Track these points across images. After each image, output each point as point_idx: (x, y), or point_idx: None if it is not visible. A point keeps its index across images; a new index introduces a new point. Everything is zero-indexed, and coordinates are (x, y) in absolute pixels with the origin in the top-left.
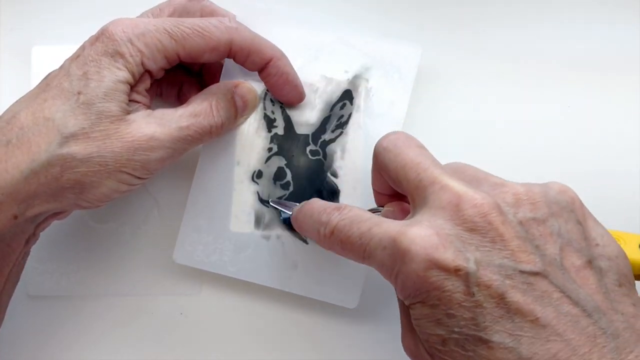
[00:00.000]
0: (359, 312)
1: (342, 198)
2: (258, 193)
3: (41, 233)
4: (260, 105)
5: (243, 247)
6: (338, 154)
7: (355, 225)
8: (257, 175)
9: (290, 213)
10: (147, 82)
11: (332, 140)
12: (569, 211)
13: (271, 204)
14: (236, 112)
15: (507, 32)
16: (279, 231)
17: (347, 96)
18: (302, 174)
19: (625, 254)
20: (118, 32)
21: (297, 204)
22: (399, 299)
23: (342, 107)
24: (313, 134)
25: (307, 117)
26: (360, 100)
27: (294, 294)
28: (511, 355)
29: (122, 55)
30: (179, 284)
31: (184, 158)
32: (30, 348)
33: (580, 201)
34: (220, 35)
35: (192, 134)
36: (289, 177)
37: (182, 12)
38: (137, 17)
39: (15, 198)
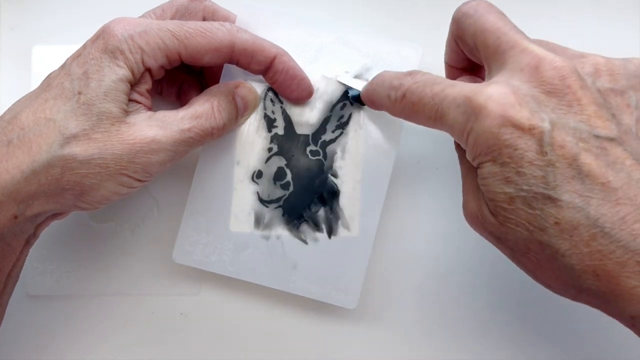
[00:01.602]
0: (358, 312)
1: (343, 199)
2: (258, 193)
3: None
4: (261, 105)
5: (243, 247)
6: (338, 155)
7: (429, 87)
8: (257, 175)
9: (359, 90)
10: (148, 83)
11: (333, 141)
12: None
13: (339, 80)
14: (237, 112)
15: None
16: (279, 231)
17: (347, 97)
18: (302, 174)
19: None
20: (119, 30)
21: (364, 82)
22: (463, 164)
23: (342, 108)
24: (313, 134)
25: (307, 117)
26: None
27: (294, 294)
28: (579, 215)
29: (122, 52)
30: (179, 283)
31: (184, 157)
32: (29, 348)
33: None
34: (223, 36)
35: (194, 136)
36: (289, 177)
37: (184, 12)
38: (139, 17)
39: (16, 198)
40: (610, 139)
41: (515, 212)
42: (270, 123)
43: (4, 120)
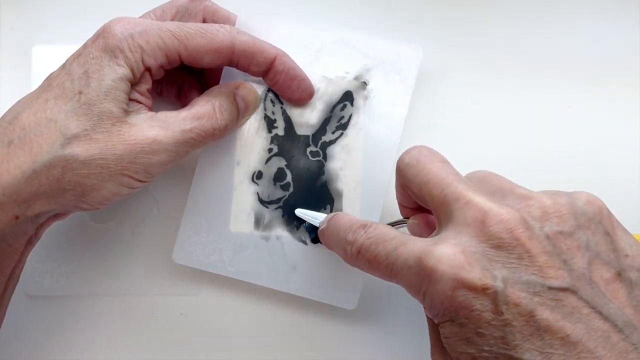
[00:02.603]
0: (358, 313)
1: (343, 199)
2: (258, 194)
3: None
4: (261, 106)
5: (242, 247)
6: (338, 155)
7: (382, 245)
8: (257, 176)
9: (316, 224)
10: (148, 82)
11: (333, 142)
12: (597, 222)
13: (297, 213)
14: (238, 113)
15: (508, 32)
16: (279, 232)
17: (348, 97)
18: (302, 175)
19: None
20: (119, 29)
21: (323, 214)
22: (427, 317)
23: (342, 108)
24: (313, 135)
25: (307, 118)
26: (360, 101)
27: (294, 295)
28: None
29: (122, 51)
30: (179, 284)
31: (185, 158)
32: (29, 348)
33: (608, 211)
34: (223, 37)
35: (195, 137)
36: (289, 178)
37: (185, 13)
38: (139, 17)
39: (17, 199)
40: (564, 289)
41: None
42: (270, 124)
43: (5, 120)
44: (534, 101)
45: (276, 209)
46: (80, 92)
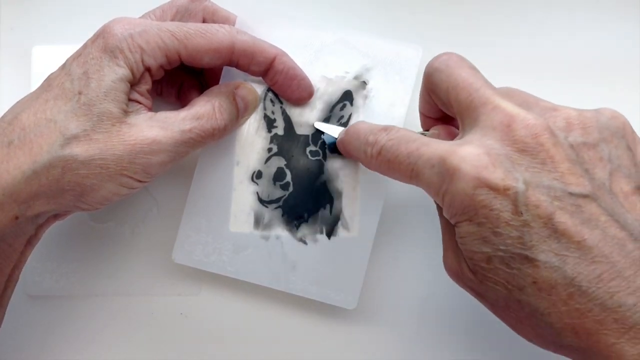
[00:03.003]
0: (358, 312)
1: (342, 199)
2: (257, 193)
3: None
4: (261, 106)
5: (242, 247)
6: (338, 155)
7: (404, 145)
8: (257, 176)
9: (335, 137)
10: (148, 83)
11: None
12: (620, 137)
13: (316, 126)
14: (238, 113)
15: (508, 32)
16: (278, 231)
17: (348, 97)
18: (301, 174)
19: None
20: (119, 29)
21: (342, 127)
22: (441, 218)
23: (342, 108)
24: (313, 134)
25: (307, 117)
26: (360, 101)
27: (294, 295)
28: (556, 274)
29: (121, 51)
30: (179, 284)
31: (184, 158)
32: (29, 348)
33: (631, 127)
34: (223, 37)
35: (195, 137)
36: (288, 177)
37: (185, 13)
38: (139, 17)
39: (17, 199)
40: (585, 196)
41: (493, 271)
42: (270, 123)
43: (4, 121)
44: None
45: (276, 208)
46: (80, 93)
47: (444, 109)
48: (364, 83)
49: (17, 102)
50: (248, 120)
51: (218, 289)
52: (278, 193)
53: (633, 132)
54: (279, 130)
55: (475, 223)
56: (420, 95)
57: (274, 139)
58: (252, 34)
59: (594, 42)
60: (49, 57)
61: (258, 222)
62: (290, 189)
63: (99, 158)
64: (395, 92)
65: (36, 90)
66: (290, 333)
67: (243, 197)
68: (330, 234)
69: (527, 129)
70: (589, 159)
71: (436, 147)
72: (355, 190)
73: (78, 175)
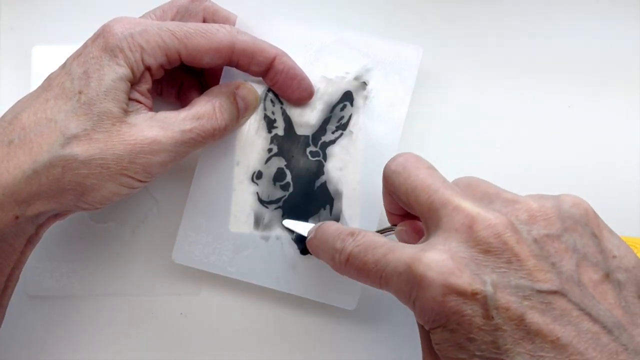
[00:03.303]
0: (358, 313)
1: (342, 200)
2: (258, 194)
3: None
4: (261, 106)
5: (242, 247)
6: (338, 155)
7: (370, 252)
8: (257, 176)
9: (304, 234)
10: (148, 82)
11: (333, 142)
12: (584, 224)
13: (284, 225)
14: (238, 113)
15: (508, 33)
16: (278, 232)
17: (348, 97)
18: (302, 175)
19: None
20: (119, 29)
21: (310, 224)
22: (418, 323)
23: (342, 109)
24: (313, 135)
25: (307, 118)
26: (360, 101)
27: (294, 295)
28: None
29: (122, 51)
30: (179, 284)
31: (184, 158)
32: (29, 348)
33: (594, 212)
34: (223, 36)
35: (195, 137)
36: (288, 178)
37: (185, 13)
38: (140, 17)
39: (17, 198)
40: (554, 292)
41: None
42: (270, 124)
43: (5, 120)
44: (534, 101)
45: (276, 209)
46: (80, 92)
47: (406, 209)
48: (364, 83)
49: (18, 102)
50: (248, 121)
51: (218, 289)
52: (278, 193)
53: (596, 217)
54: (279, 130)
55: (449, 330)
56: (382, 194)
57: (274, 139)
58: (252, 34)
59: (594, 42)
60: (49, 57)
61: (258, 222)
62: (291, 189)
63: (99, 158)
64: (395, 92)
65: (36, 89)
66: (290, 333)
67: (243, 197)
68: None
69: (489, 229)
70: (554, 251)
71: (401, 253)
72: (355, 191)
73: (78, 174)
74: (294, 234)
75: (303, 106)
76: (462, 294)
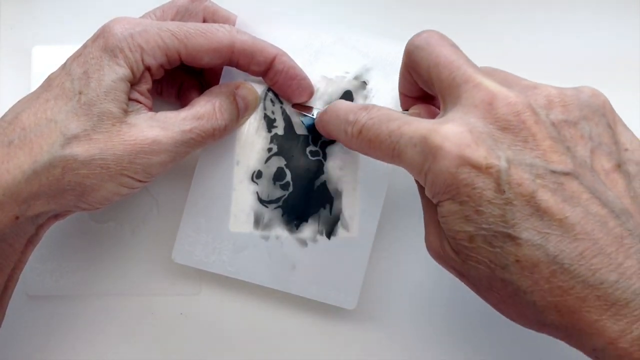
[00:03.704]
0: (357, 313)
1: (342, 199)
2: (257, 193)
3: None
4: (261, 106)
5: (242, 247)
6: (338, 155)
7: (385, 124)
8: (257, 176)
9: (314, 117)
10: (148, 82)
11: (332, 141)
12: (600, 115)
13: (293, 109)
14: (238, 113)
15: (508, 33)
16: (278, 231)
17: (348, 97)
18: (301, 174)
19: None
20: (119, 29)
21: (320, 109)
22: (423, 198)
23: None
24: (313, 134)
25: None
26: (360, 101)
27: (294, 295)
28: (538, 252)
29: (121, 51)
30: (179, 283)
31: (184, 158)
32: (29, 348)
33: (611, 105)
34: (223, 36)
35: (195, 137)
36: (288, 177)
37: (185, 14)
38: (140, 17)
39: (17, 199)
40: (566, 174)
41: (476, 250)
42: (270, 123)
43: (5, 120)
44: None
45: (276, 208)
46: (80, 93)
47: (424, 88)
48: (364, 83)
49: (18, 102)
50: (248, 120)
51: (218, 289)
52: (278, 193)
53: (613, 110)
54: (279, 130)
55: (458, 202)
56: (400, 74)
57: (274, 138)
58: (252, 34)
59: (594, 42)
60: (49, 57)
61: (258, 222)
62: (290, 189)
63: (100, 158)
64: (395, 92)
65: (36, 90)
66: (290, 333)
67: (243, 197)
68: (330, 234)
69: (508, 107)
70: (570, 136)
71: (418, 125)
72: (355, 191)
73: (78, 175)
74: (306, 119)
75: None
76: (476, 166)
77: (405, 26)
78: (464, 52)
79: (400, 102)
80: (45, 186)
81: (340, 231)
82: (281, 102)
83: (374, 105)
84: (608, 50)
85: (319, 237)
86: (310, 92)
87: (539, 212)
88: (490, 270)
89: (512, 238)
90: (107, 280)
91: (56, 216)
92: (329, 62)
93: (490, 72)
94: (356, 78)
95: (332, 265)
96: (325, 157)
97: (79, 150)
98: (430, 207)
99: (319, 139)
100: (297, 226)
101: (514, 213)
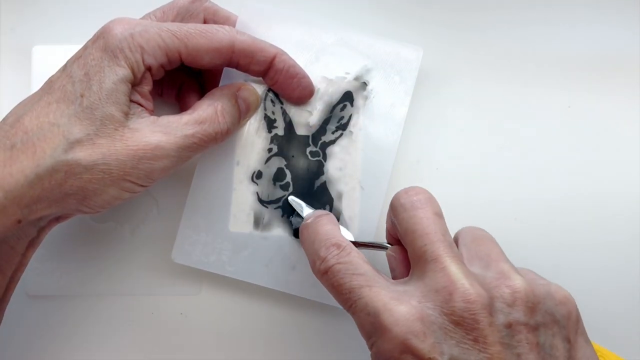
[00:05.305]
0: None
1: (342, 200)
2: (257, 193)
3: None
4: (261, 106)
5: (242, 247)
6: (338, 155)
7: (349, 277)
8: (257, 176)
9: (303, 216)
10: (149, 83)
11: (332, 142)
12: (562, 326)
13: (289, 201)
14: (240, 115)
15: (508, 33)
16: (278, 232)
17: (348, 98)
18: (301, 175)
19: None
20: (119, 29)
21: (311, 209)
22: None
23: (342, 109)
24: (313, 135)
25: (307, 118)
26: (360, 101)
27: (294, 295)
28: None
29: (122, 51)
30: (179, 283)
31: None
32: (29, 348)
33: (578, 315)
34: (223, 36)
35: (198, 142)
36: (288, 178)
37: (185, 14)
38: (140, 18)
39: (19, 203)
40: None
41: None
42: (270, 124)
43: (6, 123)
44: (534, 101)
45: (276, 208)
46: (82, 95)
47: (402, 243)
48: (365, 84)
49: (19, 104)
50: (248, 121)
51: (218, 289)
52: (278, 193)
53: (578, 321)
54: (279, 130)
55: None
56: (387, 214)
57: (274, 139)
58: (253, 34)
59: (594, 42)
60: (49, 57)
61: (258, 222)
62: (290, 189)
63: (102, 163)
64: (395, 92)
65: (37, 92)
66: (290, 333)
67: (243, 197)
68: None
69: (466, 304)
70: (526, 341)
71: (376, 294)
72: (355, 191)
73: (81, 179)
74: (294, 214)
75: (303, 106)
76: (418, 357)
77: (406, 27)
78: (444, 222)
79: (386, 235)
80: (47, 190)
81: None
82: (281, 103)
83: (347, 246)
84: (608, 50)
85: None
86: (310, 90)
87: None
88: None
89: None
90: (107, 280)
91: (57, 219)
92: (330, 63)
93: (476, 241)
94: (357, 79)
95: None
96: (325, 157)
97: (82, 155)
98: None
99: (319, 140)
100: (297, 226)
101: None
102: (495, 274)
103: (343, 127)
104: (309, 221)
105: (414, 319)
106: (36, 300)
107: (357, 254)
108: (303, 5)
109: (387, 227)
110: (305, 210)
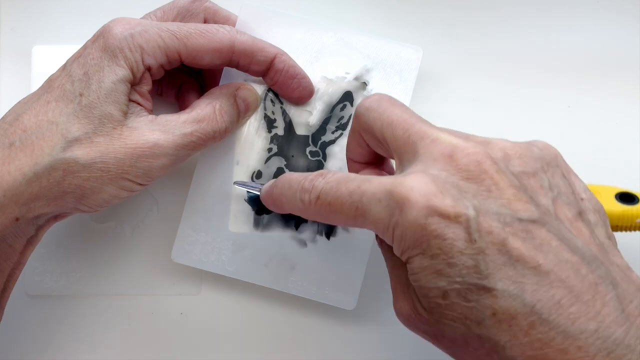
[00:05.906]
0: (357, 313)
1: None
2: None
3: None
4: (261, 106)
5: (241, 247)
6: (338, 155)
7: (344, 185)
8: (257, 176)
9: (257, 193)
10: (148, 83)
11: (332, 142)
12: (555, 166)
13: (235, 185)
14: (239, 114)
15: (508, 33)
16: (278, 232)
17: (348, 97)
18: None
19: (604, 208)
20: (119, 29)
21: (261, 185)
22: (389, 261)
23: (342, 109)
24: (313, 135)
25: (307, 118)
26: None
27: (293, 295)
28: (515, 303)
29: (122, 51)
30: (179, 283)
31: (184, 161)
32: (29, 348)
33: (562, 157)
34: (223, 36)
35: (196, 140)
36: None
37: (185, 14)
38: (140, 18)
39: (17, 201)
40: (534, 221)
41: (450, 307)
42: (270, 123)
43: (5, 122)
44: (534, 102)
45: None
46: (81, 95)
47: (376, 149)
48: (365, 84)
49: (18, 103)
50: (248, 121)
51: (218, 289)
52: None
53: (564, 161)
54: (279, 130)
55: (429, 255)
56: (349, 139)
57: (274, 139)
58: (253, 34)
59: (594, 42)
60: (49, 57)
61: (257, 222)
62: None
63: (100, 161)
64: (395, 92)
65: (37, 91)
66: (290, 333)
67: (243, 197)
68: (329, 234)
69: (469, 157)
70: (530, 187)
71: (380, 181)
72: None
73: (79, 178)
74: (248, 195)
75: (303, 106)
76: (445, 216)
77: (406, 27)
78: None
79: (349, 167)
80: (45, 188)
81: (339, 232)
82: (281, 102)
83: (329, 171)
84: (608, 50)
85: (318, 237)
86: (310, 90)
87: (512, 260)
88: (465, 327)
89: (487, 290)
90: (107, 280)
91: (56, 217)
92: (330, 63)
93: (444, 129)
94: (356, 79)
95: (331, 266)
96: (325, 157)
97: (80, 153)
98: (398, 269)
99: (318, 140)
100: (297, 226)
101: (487, 263)
102: (477, 142)
103: (343, 127)
104: (273, 183)
105: (426, 181)
106: (36, 300)
107: (343, 172)
108: (303, 5)
109: (350, 156)
110: (259, 186)
